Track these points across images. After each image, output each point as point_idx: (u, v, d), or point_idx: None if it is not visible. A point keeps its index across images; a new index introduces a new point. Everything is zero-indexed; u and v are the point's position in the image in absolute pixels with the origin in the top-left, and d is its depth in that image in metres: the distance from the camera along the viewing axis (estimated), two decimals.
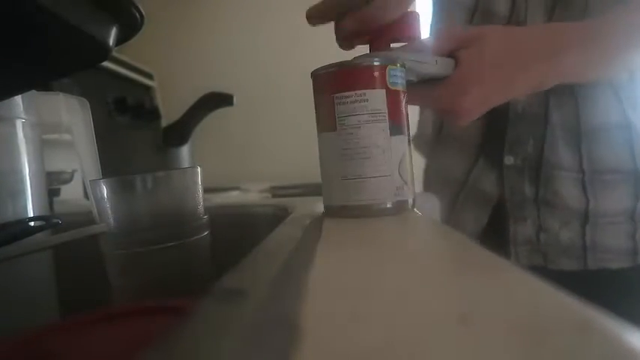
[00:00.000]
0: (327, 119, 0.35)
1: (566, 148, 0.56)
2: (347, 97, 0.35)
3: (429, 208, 0.68)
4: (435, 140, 0.68)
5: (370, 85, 0.35)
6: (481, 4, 0.59)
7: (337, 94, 0.35)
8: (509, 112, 0.58)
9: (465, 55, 0.43)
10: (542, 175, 0.57)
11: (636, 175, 0.55)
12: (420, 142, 0.73)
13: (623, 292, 0.56)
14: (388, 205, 0.35)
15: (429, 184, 0.71)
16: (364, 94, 0.34)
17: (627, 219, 0.56)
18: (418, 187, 0.73)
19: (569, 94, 0.56)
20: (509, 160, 0.58)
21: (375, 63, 0.35)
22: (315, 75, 0.37)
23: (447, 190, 0.66)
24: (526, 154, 0.57)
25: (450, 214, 0.65)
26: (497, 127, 0.59)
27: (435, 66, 0.42)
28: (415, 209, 0.37)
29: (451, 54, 0.43)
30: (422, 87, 0.42)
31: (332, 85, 0.35)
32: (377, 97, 0.35)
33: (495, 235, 0.61)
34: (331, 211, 0.37)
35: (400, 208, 0.35)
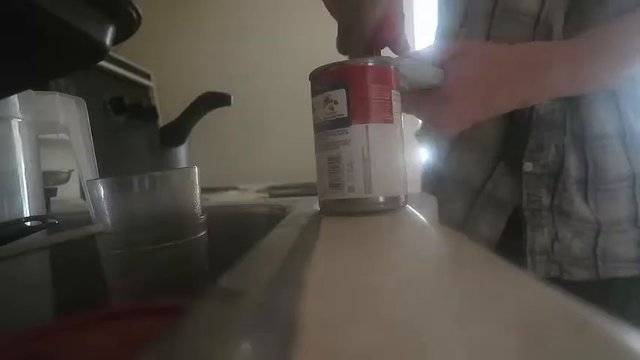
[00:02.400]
0: (381, 111, 0.35)
1: (575, 157, 0.56)
2: (397, 94, 0.36)
3: (426, 208, 0.68)
4: (453, 143, 0.66)
5: (399, 86, 0.37)
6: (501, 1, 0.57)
7: (394, 90, 0.36)
8: (532, 119, 0.57)
9: (449, 68, 0.44)
10: (559, 184, 0.56)
11: (634, 178, 0.55)
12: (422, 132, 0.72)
13: (636, 300, 0.55)
14: (381, 200, 0.35)
15: (440, 186, 0.69)
16: (399, 94, 0.37)
17: (631, 226, 0.55)
18: (416, 186, 0.73)
19: (577, 101, 0.55)
20: (528, 166, 0.57)
21: (392, 66, 0.36)
22: (373, 67, 0.35)
23: (463, 195, 0.64)
24: (546, 161, 0.56)
25: (466, 220, 0.64)
26: (517, 133, 0.58)
27: (429, 74, 0.43)
28: (408, 206, 0.37)
29: (441, 66, 0.44)
30: (411, 95, 0.44)
31: (390, 80, 0.36)
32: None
33: (512, 245, 0.60)
34: (328, 207, 0.37)
35: (394, 203, 0.36)
